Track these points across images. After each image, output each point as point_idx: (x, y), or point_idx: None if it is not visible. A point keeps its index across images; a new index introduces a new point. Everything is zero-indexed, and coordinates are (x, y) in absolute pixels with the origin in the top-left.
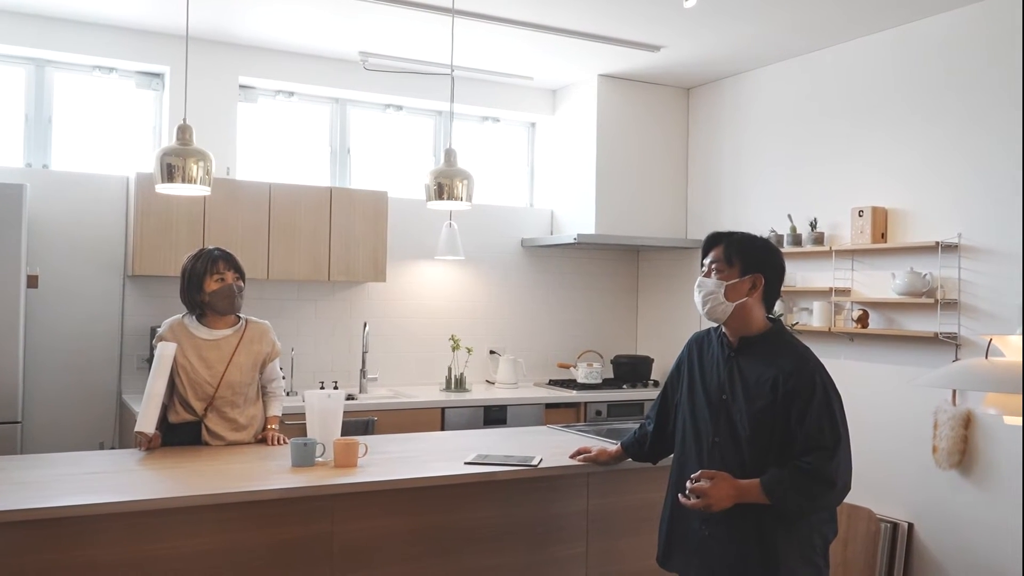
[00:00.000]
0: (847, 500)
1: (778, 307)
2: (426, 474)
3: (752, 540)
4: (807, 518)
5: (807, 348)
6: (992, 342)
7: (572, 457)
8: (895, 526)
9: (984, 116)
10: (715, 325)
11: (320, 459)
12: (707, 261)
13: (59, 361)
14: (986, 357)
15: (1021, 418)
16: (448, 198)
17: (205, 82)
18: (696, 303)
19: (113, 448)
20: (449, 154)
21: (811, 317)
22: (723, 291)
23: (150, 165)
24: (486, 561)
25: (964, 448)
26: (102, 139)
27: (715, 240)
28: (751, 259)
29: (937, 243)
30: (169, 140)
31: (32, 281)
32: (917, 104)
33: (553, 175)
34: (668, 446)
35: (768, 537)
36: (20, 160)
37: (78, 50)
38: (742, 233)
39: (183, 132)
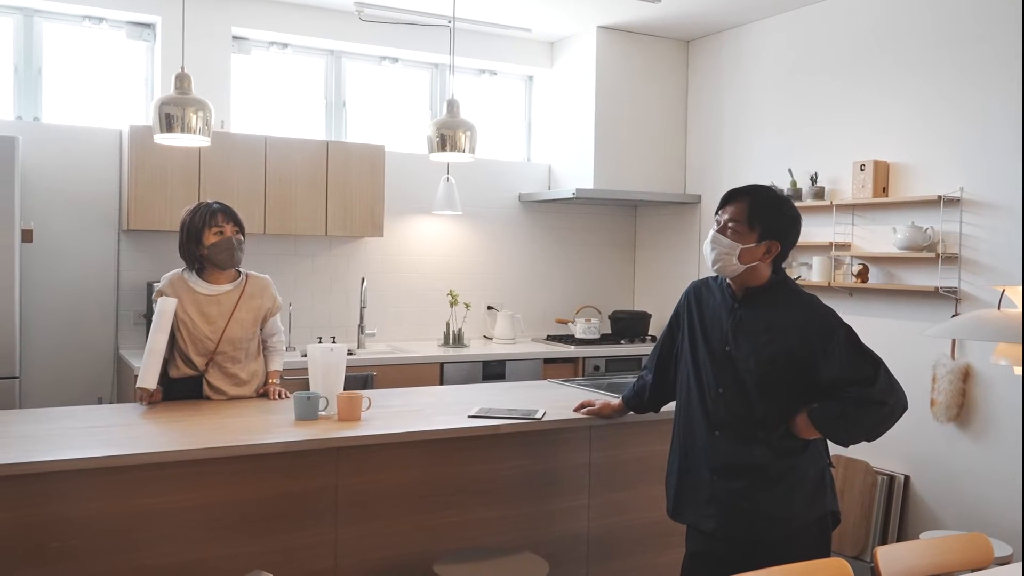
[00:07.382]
0: (845, 453)
1: None
2: (431, 427)
3: (764, 487)
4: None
5: (812, 295)
6: (1005, 293)
7: (576, 410)
8: (892, 478)
9: (987, 70)
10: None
11: (323, 413)
12: (724, 217)
13: (55, 316)
14: (999, 308)
15: (1022, 367)
16: (451, 150)
17: (198, 33)
18: (705, 255)
19: (111, 403)
20: (452, 105)
21: (810, 272)
22: (737, 253)
23: (144, 117)
24: (489, 513)
25: (962, 402)
26: (93, 91)
27: (736, 196)
28: (773, 226)
29: (939, 197)
30: (162, 92)
31: (27, 235)
32: (919, 58)
33: (551, 129)
34: (669, 394)
35: (780, 483)
36: (11, 112)
37: None
38: (770, 193)
39: (181, 81)
